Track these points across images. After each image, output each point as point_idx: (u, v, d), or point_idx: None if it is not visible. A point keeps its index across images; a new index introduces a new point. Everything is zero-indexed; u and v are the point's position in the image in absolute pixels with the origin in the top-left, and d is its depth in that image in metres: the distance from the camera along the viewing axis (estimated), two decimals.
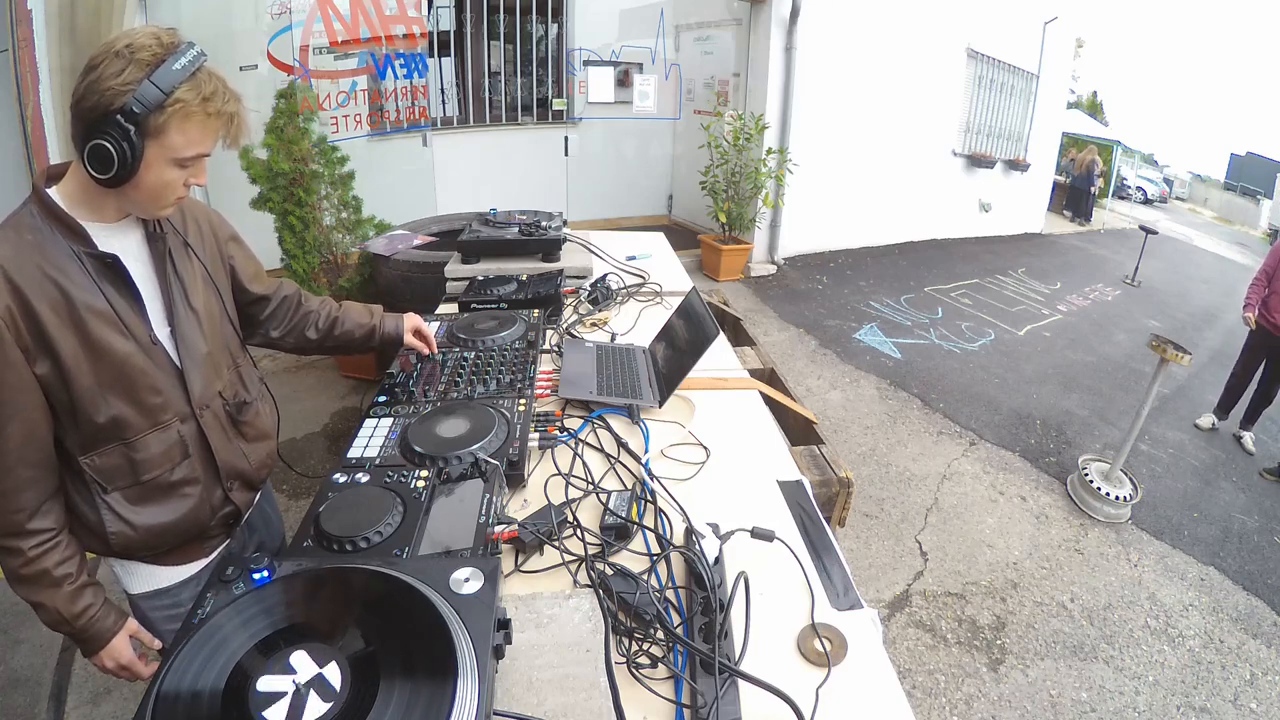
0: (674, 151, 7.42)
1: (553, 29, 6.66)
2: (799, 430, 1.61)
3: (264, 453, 1.20)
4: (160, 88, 0.84)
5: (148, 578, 1.09)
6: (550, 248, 2.11)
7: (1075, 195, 11.71)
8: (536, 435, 1.19)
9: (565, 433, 1.23)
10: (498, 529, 0.88)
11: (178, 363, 1.02)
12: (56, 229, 0.90)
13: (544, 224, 2.19)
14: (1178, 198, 20.94)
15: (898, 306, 5.69)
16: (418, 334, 1.43)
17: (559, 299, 1.80)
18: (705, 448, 1.23)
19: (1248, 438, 4.03)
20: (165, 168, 0.89)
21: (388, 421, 1.18)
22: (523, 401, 1.23)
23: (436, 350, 1.45)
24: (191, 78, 0.87)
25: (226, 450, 1.11)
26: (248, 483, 1.17)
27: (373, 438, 1.13)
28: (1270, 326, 3.80)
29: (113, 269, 0.93)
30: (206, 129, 0.90)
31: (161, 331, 1.00)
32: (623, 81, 6.74)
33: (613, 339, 1.70)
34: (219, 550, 1.16)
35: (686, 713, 0.73)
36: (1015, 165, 8.67)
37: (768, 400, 1.52)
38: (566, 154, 6.75)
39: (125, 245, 0.97)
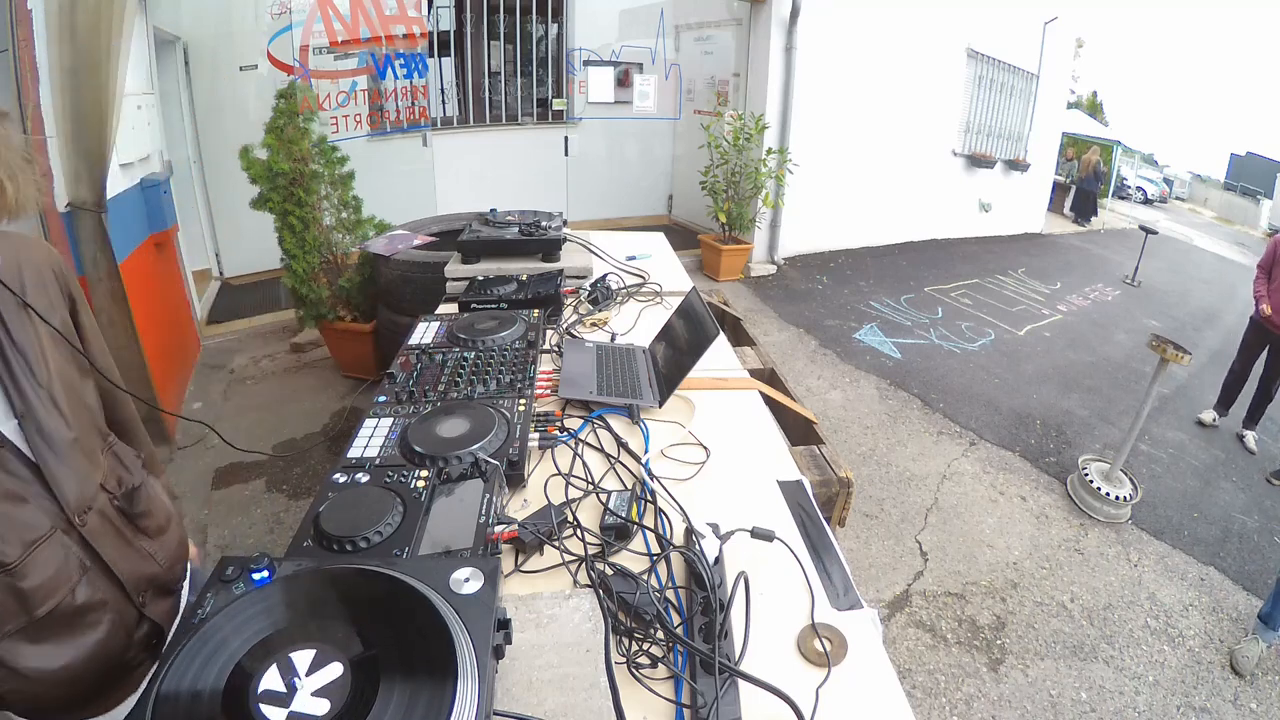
0: (674, 151, 7.43)
1: (553, 29, 6.66)
2: (799, 430, 1.61)
3: (174, 543, 0.99)
4: None
5: None
6: (550, 248, 2.11)
7: (1081, 197, 11.61)
8: (536, 435, 1.19)
9: (565, 433, 1.23)
10: (498, 529, 0.88)
11: (35, 460, 0.79)
12: None
13: (544, 224, 2.19)
14: (1178, 198, 20.90)
15: (898, 306, 5.68)
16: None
17: (559, 299, 1.80)
18: (705, 448, 1.23)
19: (1250, 437, 4.03)
20: None
21: (388, 421, 1.17)
22: (523, 401, 1.23)
23: None
24: None
25: (126, 557, 0.88)
26: (162, 588, 0.95)
27: (373, 438, 1.13)
28: (1266, 322, 3.80)
29: None
30: None
31: (7, 426, 0.78)
32: (623, 81, 6.75)
33: (613, 339, 1.70)
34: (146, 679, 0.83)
35: (686, 713, 0.73)
36: (1015, 165, 8.67)
37: (768, 400, 1.52)
38: (566, 154, 6.76)
39: None
